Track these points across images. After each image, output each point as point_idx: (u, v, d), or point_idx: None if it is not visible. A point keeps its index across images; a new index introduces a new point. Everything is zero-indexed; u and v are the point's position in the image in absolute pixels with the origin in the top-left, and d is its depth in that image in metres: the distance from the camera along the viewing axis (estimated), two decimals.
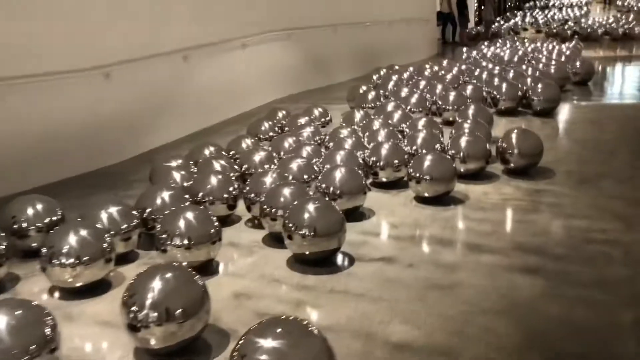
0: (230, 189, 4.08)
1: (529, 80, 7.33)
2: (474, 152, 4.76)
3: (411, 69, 9.16)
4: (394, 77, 8.25)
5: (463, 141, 4.81)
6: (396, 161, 4.68)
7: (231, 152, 5.20)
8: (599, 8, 23.53)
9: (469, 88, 6.98)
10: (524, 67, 8.71)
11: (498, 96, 6.95)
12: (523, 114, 6.95)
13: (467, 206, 4.23)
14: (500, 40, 14.12)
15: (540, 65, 8.70)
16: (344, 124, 6.13)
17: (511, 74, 7.96)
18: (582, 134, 6.10)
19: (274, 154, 5.08)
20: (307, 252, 3.34)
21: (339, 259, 3.43)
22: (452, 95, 6.66)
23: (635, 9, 18.87)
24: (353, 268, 3.32)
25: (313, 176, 4.36)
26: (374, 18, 11.78)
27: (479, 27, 18.06)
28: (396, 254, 3.47)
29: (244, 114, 7.75)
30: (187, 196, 3.90)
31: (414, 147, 4.98)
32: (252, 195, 3.97)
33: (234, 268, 3.44)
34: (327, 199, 3.80)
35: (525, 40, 14.13)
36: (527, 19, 20.22)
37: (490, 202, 4.29)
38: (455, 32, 16.98)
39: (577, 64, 8.94)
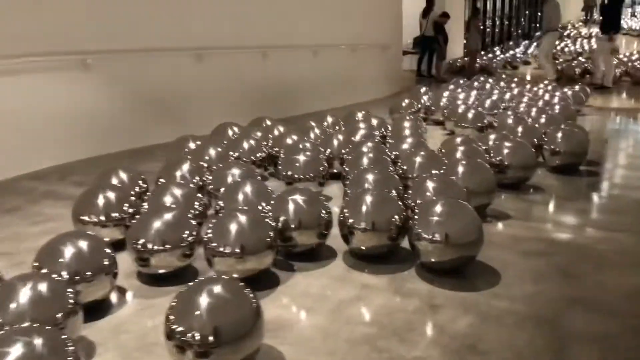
0: None
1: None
2: None
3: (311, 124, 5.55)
4: (257, 143, 4.52)
5: None
6: None
7: None
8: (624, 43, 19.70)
9: None
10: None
11: None
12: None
13: None
14: (482, 78, 10.51)
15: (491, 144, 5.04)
16: None
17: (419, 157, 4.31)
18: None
19: None
20: None
21: None
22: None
23: None
24: None
25: None
26: (293, 42, 8.30)
27: (466, 59, 14.44)
28: None
29: None
30: None
31: None
32: None
33: None
34: None
35: (514, 80, 10.53)
36: (532, 50, 16.51)
37: None
38: (431, 63, 13.37)
39: (559, 135, 5.26)
